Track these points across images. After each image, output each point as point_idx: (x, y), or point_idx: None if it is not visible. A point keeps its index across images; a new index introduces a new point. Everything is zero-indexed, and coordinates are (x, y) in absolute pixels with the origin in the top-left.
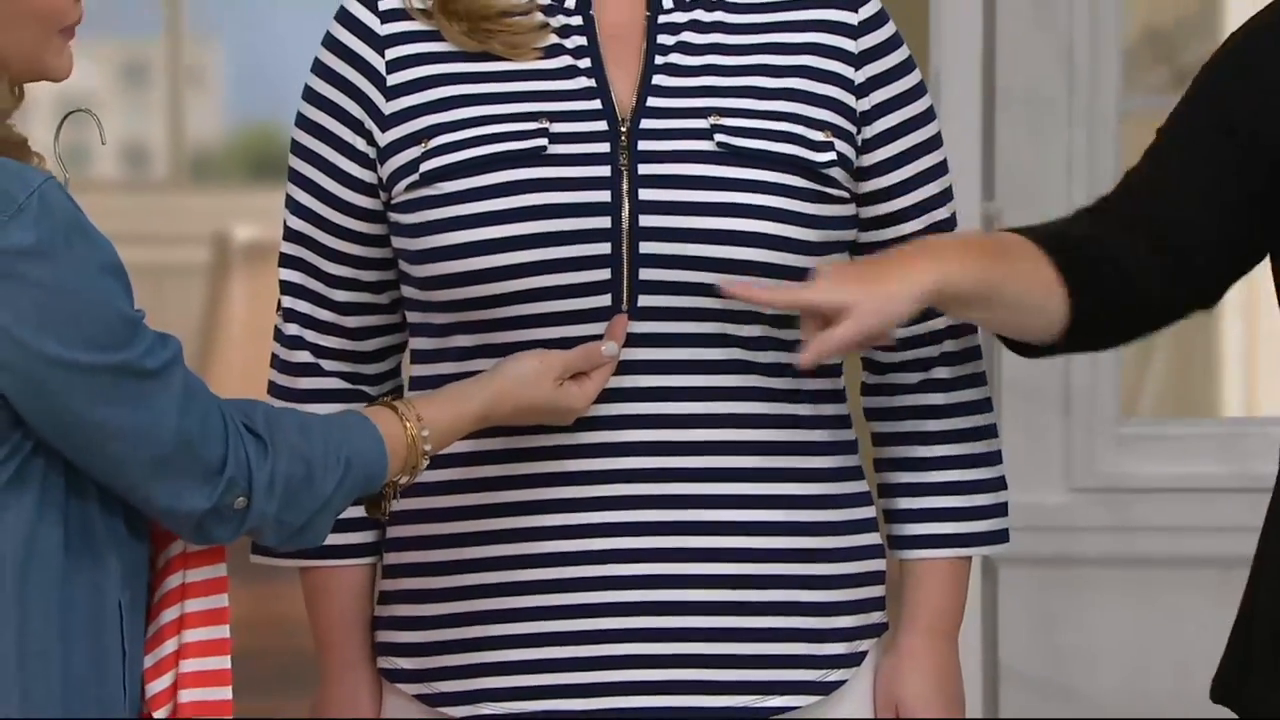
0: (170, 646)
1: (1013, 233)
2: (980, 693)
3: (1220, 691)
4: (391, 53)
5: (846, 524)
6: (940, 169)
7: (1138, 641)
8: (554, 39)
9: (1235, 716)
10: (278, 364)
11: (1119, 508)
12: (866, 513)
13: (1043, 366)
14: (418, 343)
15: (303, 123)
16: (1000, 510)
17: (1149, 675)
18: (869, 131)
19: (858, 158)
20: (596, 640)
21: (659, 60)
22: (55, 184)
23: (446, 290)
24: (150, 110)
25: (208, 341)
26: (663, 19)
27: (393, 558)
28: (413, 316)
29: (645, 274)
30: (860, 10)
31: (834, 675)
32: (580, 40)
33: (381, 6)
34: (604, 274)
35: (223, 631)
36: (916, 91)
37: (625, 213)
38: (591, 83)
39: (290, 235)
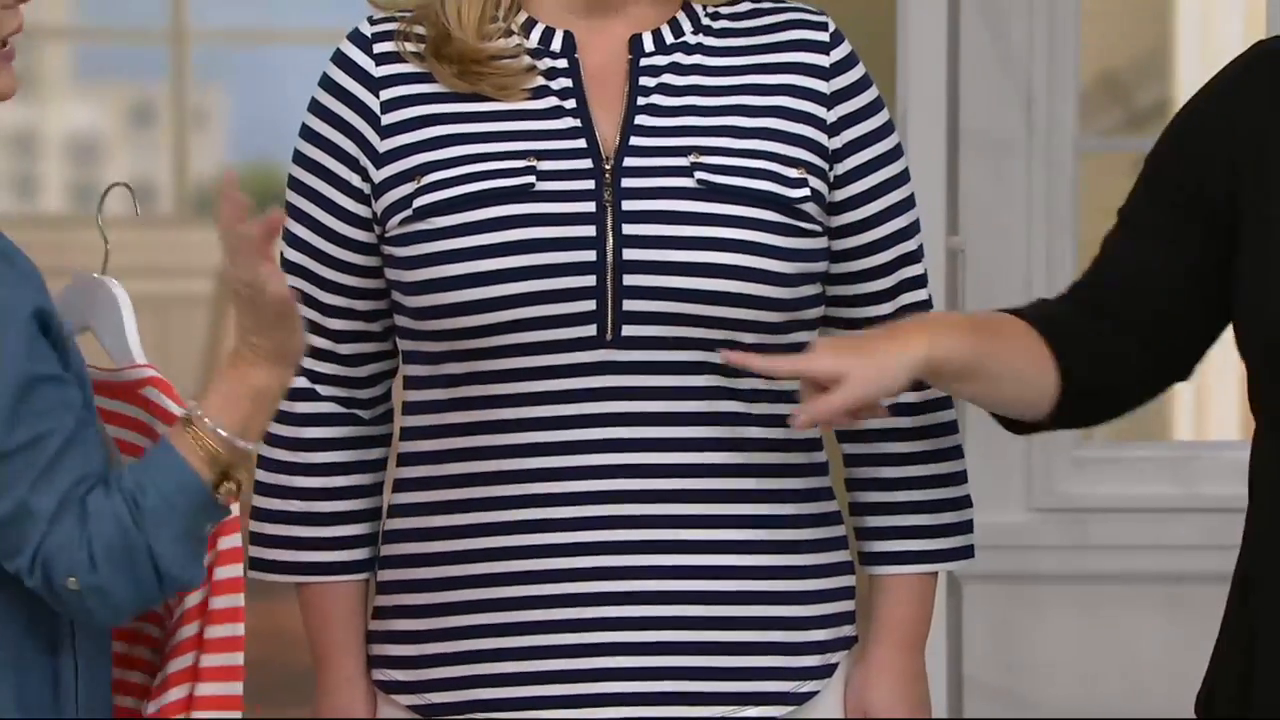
0: (186, 661)
1: (1005, 312)
2: (945, 701)
3: (1212, 703)
4: (386, 93)
5: (818, 542)
6: (908, 203)
7: (1093, 653)
8: (541, 81)
9: None
10: None
11: (1076, 527)
12: (837, 531)
13: None
14: (410, 369)
15: (300, 160)
16: (966, 527)
17: (1103, 684)
18: (840, 168)
19: (830, 193)
20: (581, 654)
21: (641, 101)
22: None
23: (438, 320)
24: (156, 150)
25: (211, 368)
26: (644, 62)
27: (386, 574)
28: (405, 344)
29: (629, 305)
30: (832, 53)
31: (807, 686)
32: (566, 82)
33: (376, 50)
34: (589, 305)
35: (238, 659)
36: (885, 130)
37: (610, 246)
38: (577, 122)
39: (288, 267)
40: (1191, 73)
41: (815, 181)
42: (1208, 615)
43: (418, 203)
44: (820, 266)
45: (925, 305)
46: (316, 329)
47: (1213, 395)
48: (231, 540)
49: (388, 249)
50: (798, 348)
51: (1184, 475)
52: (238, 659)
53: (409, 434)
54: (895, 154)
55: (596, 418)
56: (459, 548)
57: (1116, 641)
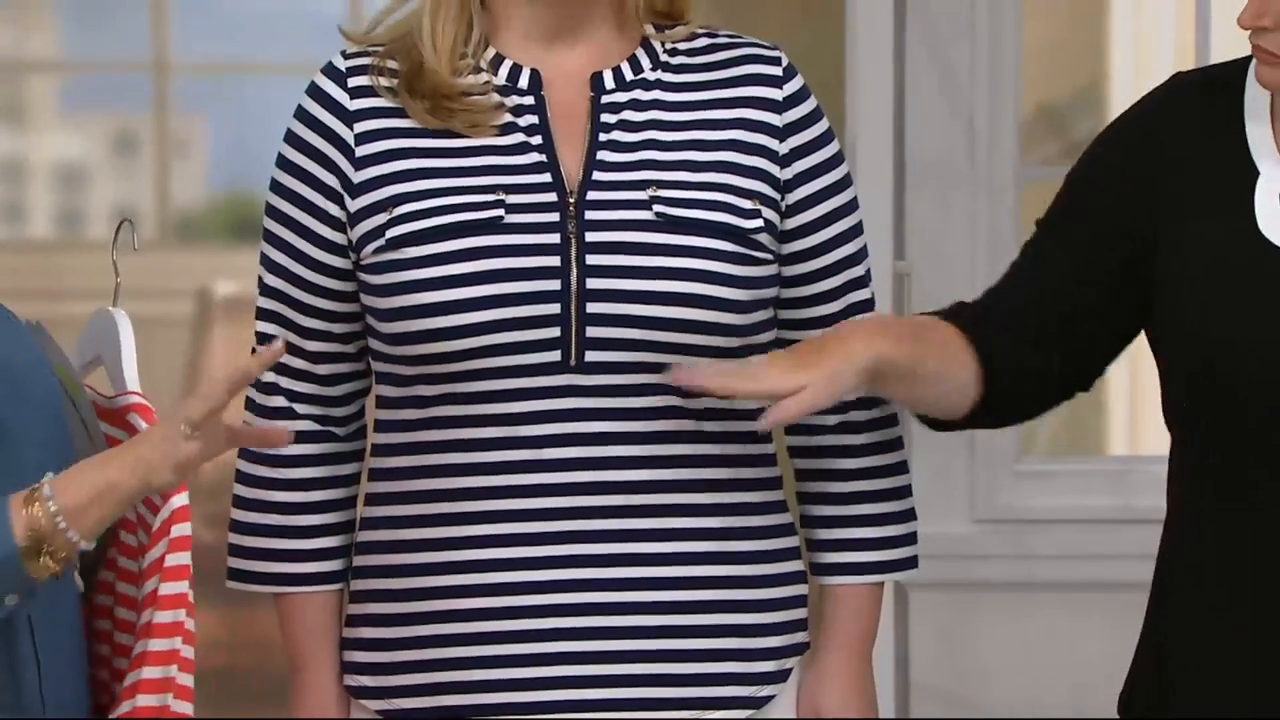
0: (139, 648)
1: (930, 315)
2: (893, 703)
3: (1131, 704)
4: (360, 126)
5: (772, 553)
6: (856, 230)
7: (1033, 658)
8: (509, 117)
9: None
10: (254, 408)
11: (1017, 537)
12: (790, 542)
13: None
14: (383, 389)
15: (277, 189)
16: (911, 539)
17: (1043, 688)
18: (791, 198)
19: (782, 222)
20: (543, 663)
21: (603, 137)
22: None
23: (410, 346)
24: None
25: (191, 387)
26: (605, 99)
27: (359, 584)
28: (378, 366)
29: (592, 331)
30: (785, 87)
31: (765, 691)
32: (532, 119)
33: (350, 83)
34: (554, 332)
35: (176, 644)
36: (835, 160)
37: (574, 276)
38: (543, 158)
39: (266, 291)
40: (1125, 105)
41: (768, 212)
42: (1142, 622)
43: (390, 233)
44: (772, 292)
45: None
46: (295, 350)
47: (1146, 412)
48: (181, 529)
49: (362, 276)
50: None
51: (1120, 488)
52: (176, 643)
53: (381, 450)
54: (844, 183)
55: (561, 438)
56: (428, 560)
57: (1056, 646)
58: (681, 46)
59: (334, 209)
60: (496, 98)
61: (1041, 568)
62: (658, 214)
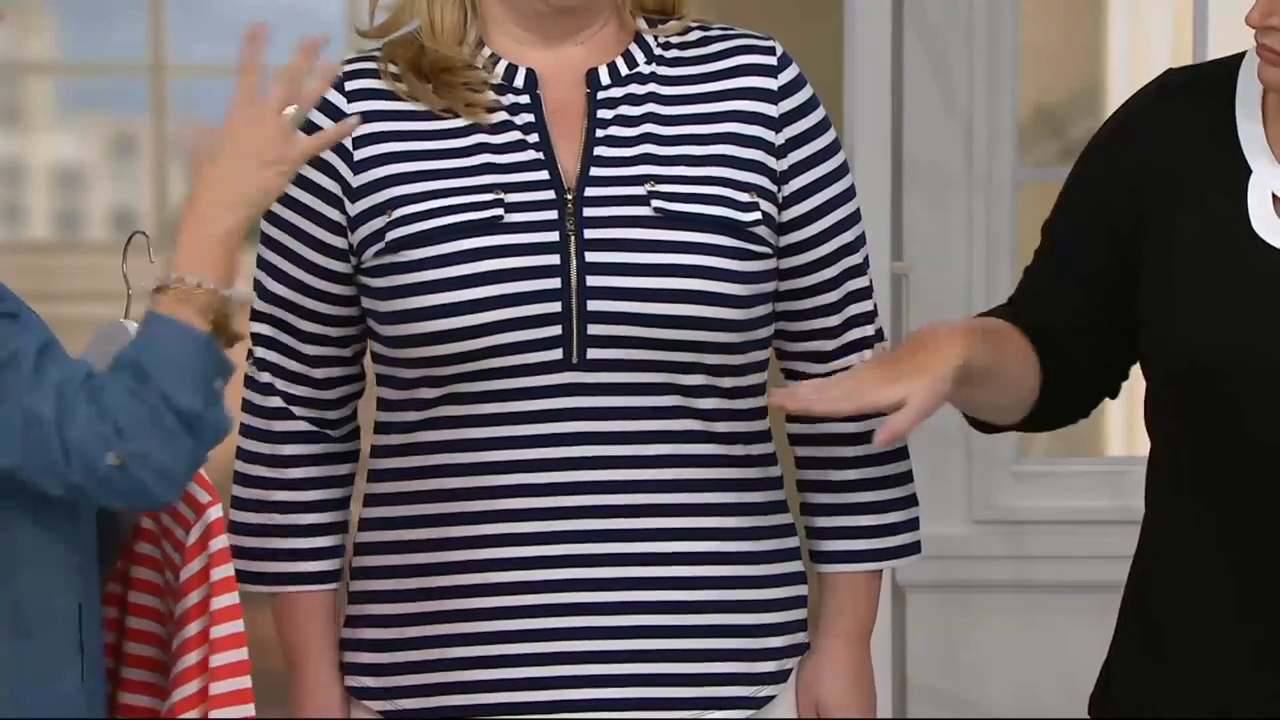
0: (194, 659)
1: (992, 317)
2: (890, 703)
3: (1105, 703)
4: (357, 130)
5: (774, 553)
6: (853, 219)
7: (1029, 658)
8: (505, 116)
9: None
10: (251, 409)
11: (1014, 538)
12: (791, 542)
13: (946, 410)
14: (383, 392)
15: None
16: (912, 525)
17: (1038, 688)
18: (787, 189)
19: (779, 214)
20: (545, 662)
21: (599, 133)
22: None
23: (412, 348)
24: (138, 180)
25: None
26: (601, 95)
27: (358, 584)
28: (379, 368)
29: (593, 329)
30: (780, 76)
31: (765, 691)
32: (528, 117)
33: (348, 88)
34: (555, 330)
35: (243, 654)
36: (831, 149)
37: (573, 274)
38: (540, 156)
39: (265, 295)
40: None
41: (765, 204)
42: None
43: (390, 236)
44: (771, 286)
45: (871, 316)
46: (292, 354)
47: (1142, 415)
48: (219, 542)
49: (363, 279)
50: (756, 365)
51: (1117, 489)
52: (243, 654)
53: (381, 452)
54: (841, 172)
55: (564, 437)
56: (429, 560)
57: (1052, 646)
58: (675, 40)
59: (334, 213)
60: (493, 96)
61: (1039, 569)
62: (656, 209)
